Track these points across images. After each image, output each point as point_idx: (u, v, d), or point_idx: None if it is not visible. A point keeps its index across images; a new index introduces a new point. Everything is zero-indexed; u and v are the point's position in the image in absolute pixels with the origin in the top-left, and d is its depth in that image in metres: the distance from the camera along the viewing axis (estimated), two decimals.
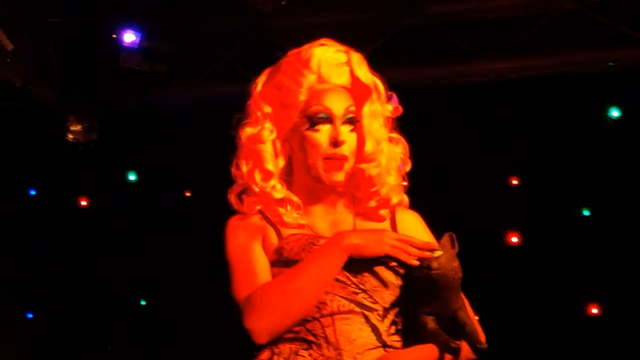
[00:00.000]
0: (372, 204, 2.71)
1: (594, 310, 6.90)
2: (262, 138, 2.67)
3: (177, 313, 7.09)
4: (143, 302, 7.34)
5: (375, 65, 2.75)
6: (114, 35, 6.21)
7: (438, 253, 2.53)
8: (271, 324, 2.51)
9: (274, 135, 2.67)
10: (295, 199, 2.67)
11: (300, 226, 2.64)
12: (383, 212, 2.72)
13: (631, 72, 6.17)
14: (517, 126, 6.68)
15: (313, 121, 2.63)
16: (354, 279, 2.56)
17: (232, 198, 2.71)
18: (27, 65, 6.25)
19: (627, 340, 6.71)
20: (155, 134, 6.96)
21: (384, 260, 2.58)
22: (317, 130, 2.63)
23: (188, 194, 7.36)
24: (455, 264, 2.53)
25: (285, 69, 2.68)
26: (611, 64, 5.98)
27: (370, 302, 2.56)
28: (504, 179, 7.01)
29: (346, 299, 2.54)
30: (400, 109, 2.75)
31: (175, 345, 7.26)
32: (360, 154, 2.67)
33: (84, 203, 7.43)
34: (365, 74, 2.69)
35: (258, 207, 2.67)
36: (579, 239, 6.78)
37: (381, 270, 2.58)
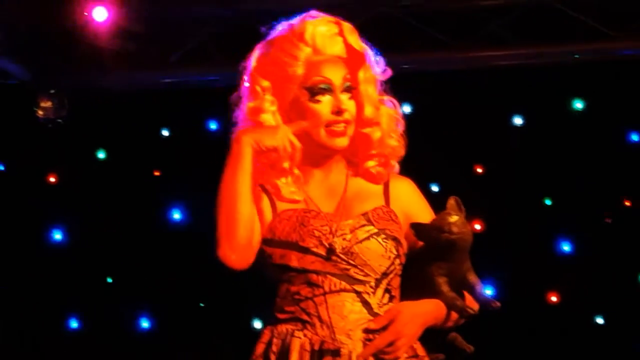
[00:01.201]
0: (371, 164, 2.78)
1: (553, 299, 6.99)
2: (264, 109, 2.72)
3: (146, 291, 7.13)
4: (109, 280, 7.35)
5: None
6: (86, 13, 6.19)
7: (455, 217, 2.60)
8: (231, 243, 2.59)
9: (275, 107, 2.73)
10: (296, 171, 2.73)
11: (296, 201, 2.71)
12: (380, 173, 2.78)
13: (595, 65, 6.25)
14: (483, 115, 6.76)
15: (313, 92, 2.70)
16: (344, 256, 2.64)
17: None
18: None
19: (585, 329, 6.82)
20: (126, 112, 6.97)
21: (376, 232, 2.66)
22: (318, 101, 2.70)
23: (157, 174, 7.39)
24: (470, 227, 2.63)
25: (280, 43, 2.75)
26: (576, 56, 6.06)
27: (362, 275, 2.64)
28: (469, 168, 7.10)
29: (337, 275, 2.62)
30: (390, 71, 2.82)
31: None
32: (360, 119, 2.75)
33: (52, 179, 7.45)
34: (356, 41, 2.79)
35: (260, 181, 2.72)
36: (540, 227, 6.88)
37: (371, 243, 2.65)
